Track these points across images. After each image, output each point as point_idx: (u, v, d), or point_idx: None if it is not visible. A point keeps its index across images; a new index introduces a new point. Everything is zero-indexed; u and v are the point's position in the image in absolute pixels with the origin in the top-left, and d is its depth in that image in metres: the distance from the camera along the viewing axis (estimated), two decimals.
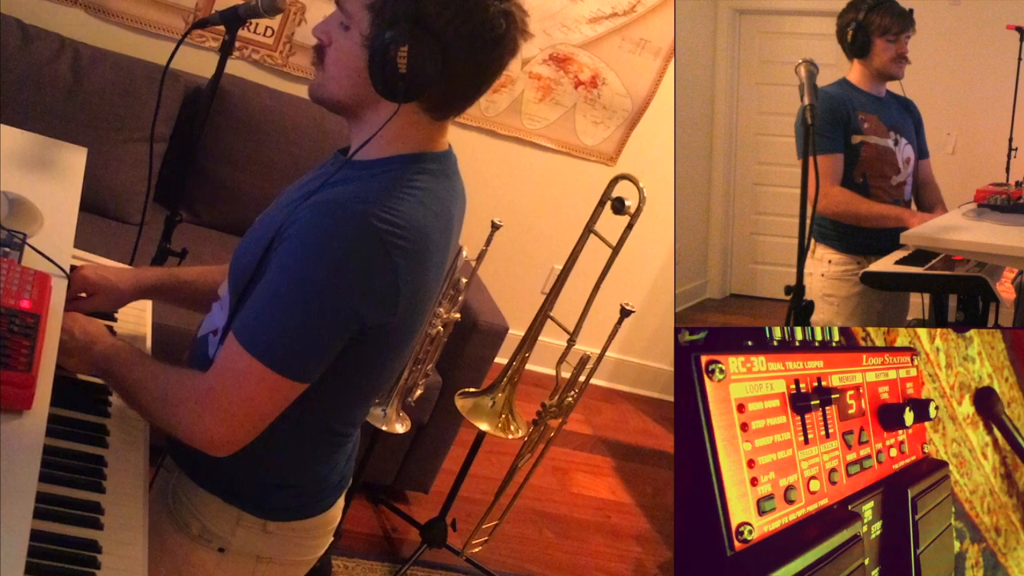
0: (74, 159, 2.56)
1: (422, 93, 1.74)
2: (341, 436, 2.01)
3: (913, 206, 3.32)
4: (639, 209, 3.21)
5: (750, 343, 1.77)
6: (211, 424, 1.75)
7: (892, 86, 3.26)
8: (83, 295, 2.15)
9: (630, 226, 3.25)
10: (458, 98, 1.81)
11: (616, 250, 3.31)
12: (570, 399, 3.45)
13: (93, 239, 2.94)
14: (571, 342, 3.43)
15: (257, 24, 4.18)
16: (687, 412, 1.51)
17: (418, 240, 1.74)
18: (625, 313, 3.33)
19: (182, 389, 1.79)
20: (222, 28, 2.58)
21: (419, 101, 1.77)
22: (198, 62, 3.90)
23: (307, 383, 1.75)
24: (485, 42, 1.73)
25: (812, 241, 3.16)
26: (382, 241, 1.69)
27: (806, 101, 2.38)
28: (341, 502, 2.12)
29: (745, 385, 1.58)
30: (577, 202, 4.04)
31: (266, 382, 1.72)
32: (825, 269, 3.16)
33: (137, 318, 2.38)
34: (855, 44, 3.11)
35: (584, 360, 3.38)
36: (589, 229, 3.36)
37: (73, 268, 2.12)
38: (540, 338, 3.49)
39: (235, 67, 4.13)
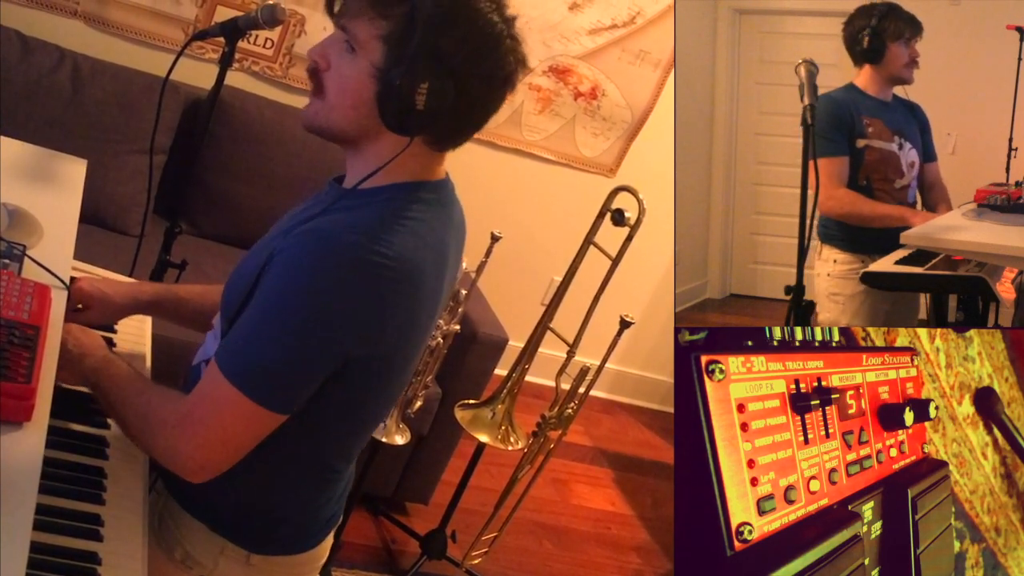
0: (74, 171, 2.56)
1: (432, 128, 1.73)
2: (333, 472, 1.98)
3: (918, 208, 3.34)
4: (639, 221, 3.21)
5: (750, 343, 1.77)
6: (186, 448, 1.73)
7: (897, 90, 3.28)
8: (79, 307, 2.14)
9: (630, 238, 3.25)
10: (462, 132, 1.79)
11: (616, 262, 3.31)
12: (570, 411, 3.45)
13: (93, 251, 2.92)
14: (571, 353, 3.42)
15: (257, 36, 4.19)
16: (687, 412, 1.51)
17: (409, 272, 1.71)
18: (625, 324, 3.33)
19: (162, 411, 1.78)
20: (222, 40, 2.58)
21: (424, 135, 1.75)
22: (198, 74, 3.90)
23: (286, 414, 1.73)
24: (496, 80, 1.73)
25: (817, 242, 3.18)
26: (370, 273, 1.67)
27: (806, 101, 2.39)
28: (329, 541, 2.10)
29: (745, 385, 1.58)
30: (577, 213, 4.04)
31: (244, 411, 1.70)
32: (831, 269, 3.18)
33: (138, 331, 2.38)
34: (870, 50, 3.13)
35: (584, 371, 3.38)
36: (589, 241, 3.36)
37: (72, 280, 2.12)
38: (540, 350, 3.49)
39: (235, 79, 4.13)
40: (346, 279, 1.66)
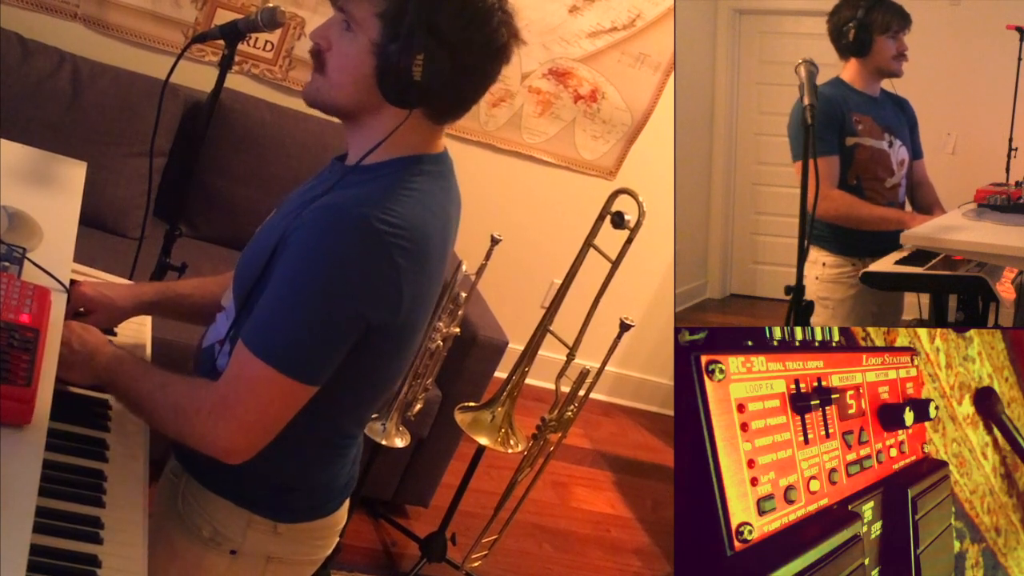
0: (74, 173, 2.55)
1: (431, 100, 1.77)
2: (349, 438, 2.03)
3: (907, 207, 3.32)
4: (639, 223, 3.21)
5: (750, 343, 1.77)
6: (227, 432, 1.76)
7: (886, 84, 3.25)
8: (81, 311, 2.15)
9: (629, 240, 3.26)
10: (460, 104, 1.84)
11: (616, 264, 3.31)
12: (570, 413, 3.45)
13: (93, 253, 2.93)
14: (571, 356, 3.42)
15: (257, 38, 4.19)
16: (687, 412, 1.51)
17: (419, 240, 1.76)
18: (624, 327, 3.33)
19: (194, 399, 1.80)
20: (222, 42, 2.58)
21: (423, 107, 1.79)
22: (198, 76, 3.91)
23: (318, 386, 1.77)
24: (490, 51, 1.77)
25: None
26: (384, 243, 1.71)
27: (806, 101, 2.38)
28: (347, 503, 2.13)
29: (745, 385, 1.58)
30: (577, 216, 4.05)
31: (279, 387, 1.74)
32: (819, 272, 3.15)
33: (136, 332, 2.37)
34: (856, 43, 3.09)
35: (584, 374, 3.38)
36: (589, 243, 3.36)
37: (72, 283, 2.12)
38: (540, 352, 3.49)
39: (235, 81, 4.13)
40: (361, 250, 1.71)
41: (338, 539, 2.15)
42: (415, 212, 1.76)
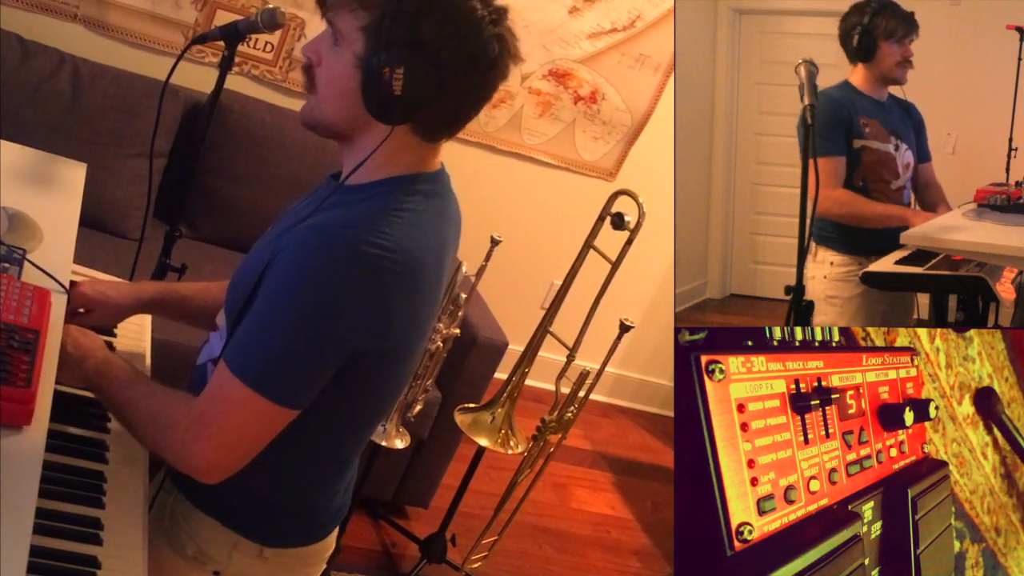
0: (74, 174, 2.56)
1: (416, 115, 1.74)
2: (342, 462, 2.00)
3: (914, 208, 3.33)
4: (638, 224, 3.21)
5: (750, 343, 1.76)
6: (200, 450, 1.74)
7: (893, 89, 3.27)
8: (81, 311, 2.14)
9: (629, 241, 3.26)
10: (450, 121, 1.80)
11: (616, 265, 3.31)
12: (570, 414, 3.45)
13: (93, 254, 2.94)
14: (571, 357, 3.42)
15: (257, 39, 4.19)
16: (687, 412, 1.51)
17: (410, 262, 1.73)
18: (624, 328, 3.32)
19: (173, 413, 1.78)
20: (222, 43, 2.58)
21: (411, 124, 1.76)
22: (198, 77, 3.91)
23: (298, 409, 1.75)
24: (479, 65, 1.73)
25: (812, 244, 3.16)
26: (372, 266, 1.68)
27: (806, 101, 2.38)
28: (336, 531, 2.11)
29: (745, 385, 1.57)
30: (577, 217, 4.05)
31: (257, 409, 1.71)
32: (827, 271, 3.16)
33: (136, 333, 2.38)
34: (860, 48, 3.11)
35: (584, 375, 3.38)
36: (589, 244, 3.36)
37: (72, 284, 2.12)
38: (540, 353, 3.49)
39: (235, 82, 4.13)
40: (348, 273, 1.67)
41: (325, 566, 2.13)
42: (407, 234, 1.73)
